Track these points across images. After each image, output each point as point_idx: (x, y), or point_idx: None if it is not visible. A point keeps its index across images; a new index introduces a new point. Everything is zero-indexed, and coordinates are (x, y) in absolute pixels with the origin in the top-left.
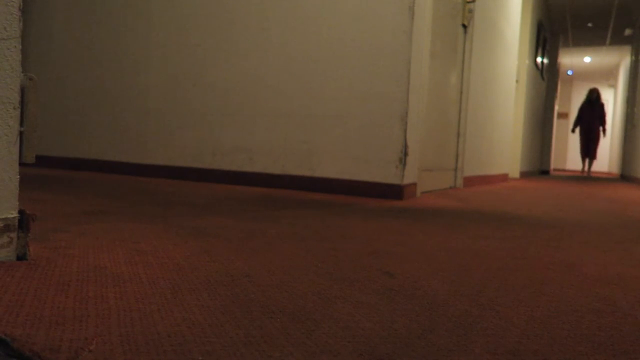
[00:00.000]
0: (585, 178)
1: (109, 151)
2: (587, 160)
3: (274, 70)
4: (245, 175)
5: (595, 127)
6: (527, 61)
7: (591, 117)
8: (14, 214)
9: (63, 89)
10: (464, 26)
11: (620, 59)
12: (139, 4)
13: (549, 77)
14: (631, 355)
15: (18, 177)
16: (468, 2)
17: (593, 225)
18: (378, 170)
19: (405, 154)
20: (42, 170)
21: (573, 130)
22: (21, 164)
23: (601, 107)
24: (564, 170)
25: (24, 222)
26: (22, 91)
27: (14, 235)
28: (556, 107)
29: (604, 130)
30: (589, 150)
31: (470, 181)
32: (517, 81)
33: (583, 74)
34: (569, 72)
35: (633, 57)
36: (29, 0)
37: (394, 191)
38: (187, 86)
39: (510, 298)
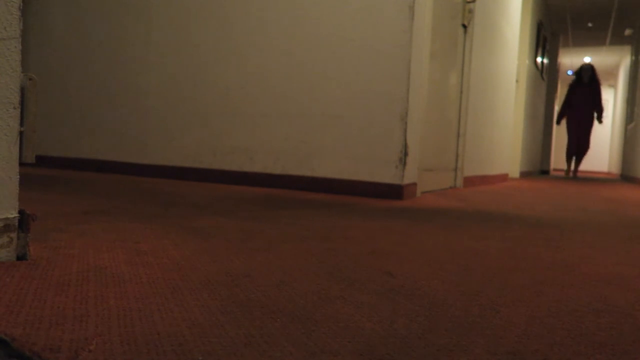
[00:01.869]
0: (575, 179)
1: (109, 151)
2: (573, 158)
3: (274, 70)
4: (245, 175)
5: (588, 114)
6: (527, 61)
7: (584, 101)
8: (14, 214)
9: (63, 89)
10: (464, 26)
11: (620, 59)
12: (139, 4)
13: (549, 77)
14: (631, 355)
15: (18, 177)
16: (468, 2)
17: (593, 225)
18: (378, 170)
19: (405, 154)
20: (42, 170)
21: (559, 122)
22: (21, 164)
23: (597, 86)
24: (564, 170)
25: (24, 222)
26: (22, 91)
27: (14, 235)
28: (556, 107)
29: (600, 117)
30: (579, 144)
31: (470, 181)
32: (517, 81)
33: None
34: (569, 72)
35: (633, 57)
36: (29, 0)
37: (394, 191)
38: (187, 86)
39: (510, 298)
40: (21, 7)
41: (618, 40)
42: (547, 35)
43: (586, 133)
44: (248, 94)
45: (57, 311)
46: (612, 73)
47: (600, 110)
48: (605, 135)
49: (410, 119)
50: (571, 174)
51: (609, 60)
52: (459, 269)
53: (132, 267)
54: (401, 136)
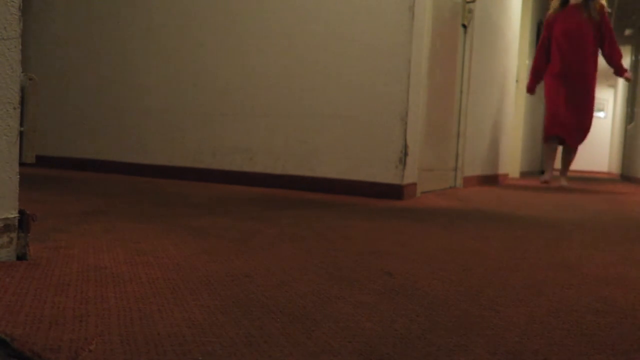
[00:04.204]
0: (558, 189)
1: (109, 151)
2: (558, 151)
3: (274, 70)
4: (245, 175)
5: (585, 66)
6: (527, 61)
7: (578, 41)
8: (14, 214)
9: (63, 89)
10: (464, 26)
11: None
12: (139, 4)
13: None
14: (631, 355)
15: (18, 177)
16: (468, 2)
17: (593, 225)
18: (378, 170)
19: (405, 154)
20: (42, 170)
21: (531, 88)
22: (21, 164)
23: (602, 19)
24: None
25: (24, 222)
26: (22, 91)
27: (14, 235)
28: None
29: (620, 67)
30: (570, 123)
31: (470, 181)
32: (517, 81)
33: None
34: None
35: (633, 57)
36: (29, 0)
37: (394, 191)
38: (187, 86)
39: (510, 298)
40: (21, 7)
41: (618, 40)
42: None
43: (583, 103)
44: (248, 94)
45: (57, 311)
46: (613, 73)
47: (615, 56)
48: (605, 135)
49: (410, 119)
50: (547, 178)
51: None
52: (459, 269)
53: (132, 267)
54: (401, 136)
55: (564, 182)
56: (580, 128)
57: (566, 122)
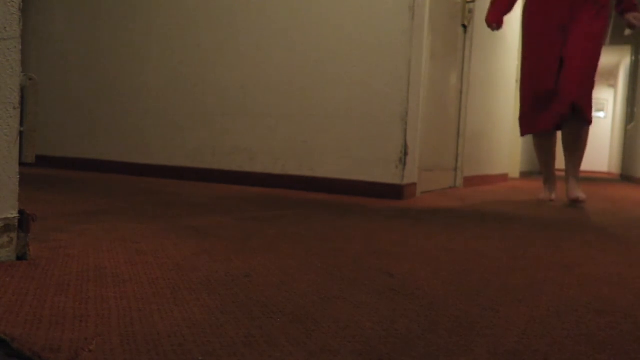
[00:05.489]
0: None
1: (109, 151)
2: (554, 135)
3: (274, 70)
4: (245, 175)
5: (582, 20)
6: None
7: None
8: (14, 214)
9: (63, 88)
10: (464, 26)
11: (620, 59)
12: (139, 4)
13: None
14: (631, 355)
15: (18, 177)
16: (468, 2)
17: (593, 225)
18: (378, 170)
19: (405, 154)
20: (42, 170)
21: (494, 17)
22: (21, 164)
23: None
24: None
25: (24, 222)
26: (22, 91)
27: (14, 235)
28: None
29: (630, 3)
30: (566, 93)
31: (470, 181)
32: (517, 81)
33: None
34: None
35: (633, 57)
36: (29, 0)
37: (394, 191)
38: (187, 86)
39: (510, 298)
40: (21, 7)
41: (618, 40)
42: None
43: (584, 57)
44: (248, 94)
45: (57, 311)
46: (612, 73)
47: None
48: (605, 135)
49: (410, 119)
50: (549, 195)
51: (609, 60)
52: (459, 269)
53: (132, 267)
54: (401, 136)
55: (579, 193)
56: (580, 95)
57: (556, 92)
